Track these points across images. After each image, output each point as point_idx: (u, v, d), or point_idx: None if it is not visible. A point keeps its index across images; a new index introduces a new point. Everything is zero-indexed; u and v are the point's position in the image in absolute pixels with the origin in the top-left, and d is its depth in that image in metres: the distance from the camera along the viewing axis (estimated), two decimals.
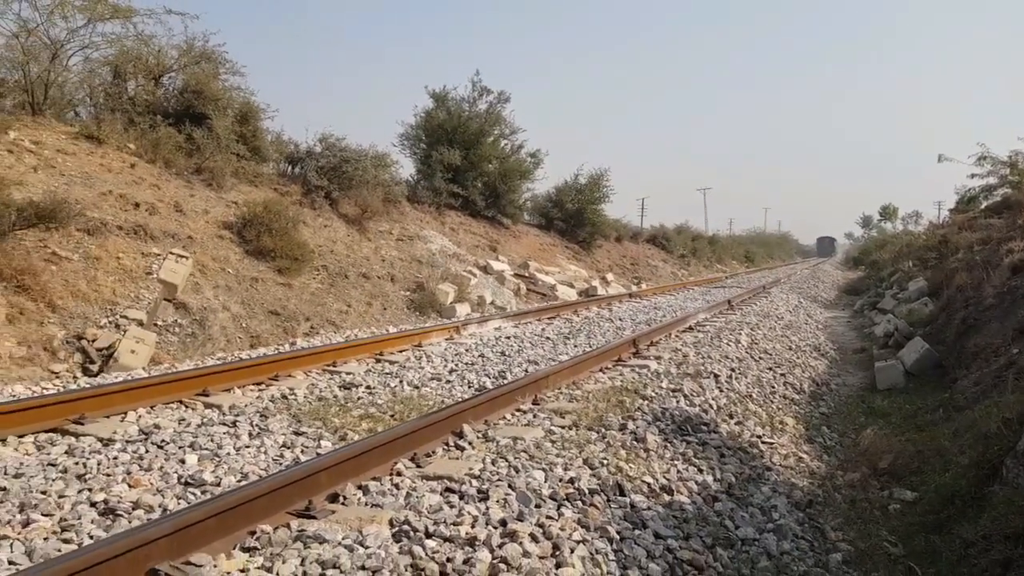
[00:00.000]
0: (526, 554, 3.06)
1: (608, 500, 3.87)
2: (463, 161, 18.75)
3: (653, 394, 6.12)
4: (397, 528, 3.19)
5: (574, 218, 23.61)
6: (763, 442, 6.10)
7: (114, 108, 12.83)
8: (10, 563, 2.80)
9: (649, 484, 4.25)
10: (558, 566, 3.09)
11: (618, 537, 3.55)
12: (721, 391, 6.89)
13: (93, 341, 7.96)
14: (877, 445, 6.99)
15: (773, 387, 8.22)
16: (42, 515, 3.19)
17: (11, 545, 2.93)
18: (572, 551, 3.22)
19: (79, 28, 12.34)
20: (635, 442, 4.85)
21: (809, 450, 6.59)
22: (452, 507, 3.46)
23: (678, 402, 6.03)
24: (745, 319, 12.73)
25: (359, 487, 3.67)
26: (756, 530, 4.41)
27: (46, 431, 4.53)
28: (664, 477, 4.43)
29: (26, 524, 3.11)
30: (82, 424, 4.64)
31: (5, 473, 3.82)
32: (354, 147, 15.10)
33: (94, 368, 7.71)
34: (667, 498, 4.19)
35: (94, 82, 13.51)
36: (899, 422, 7.78)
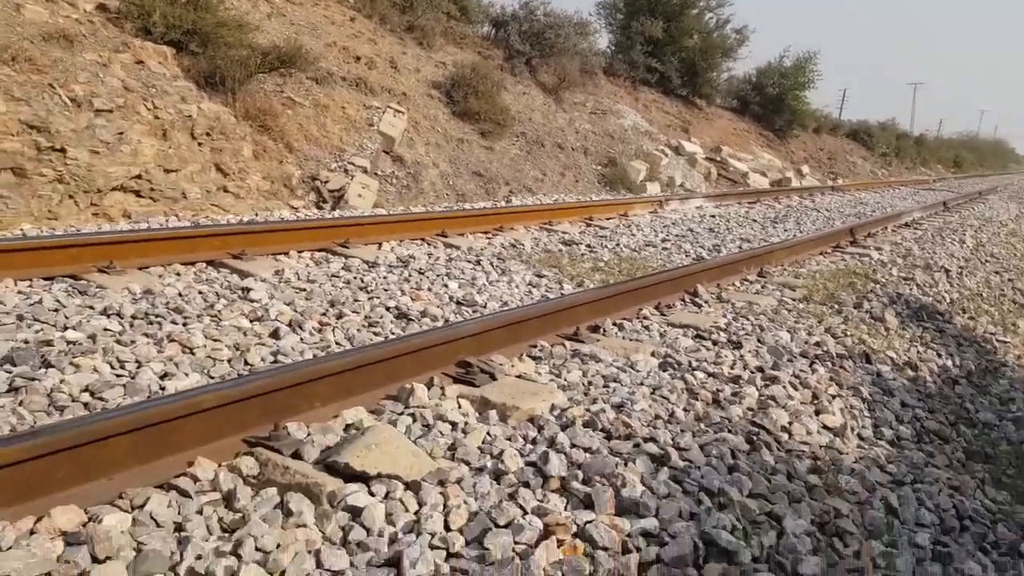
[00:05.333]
0: (790, 396, 3.24)
1: (856, 366, 3.94)
2: (663, 34, 18.09)
3: (884, 279, 5.98)
4: (661, 359, 3.44)
5: (773, 103, 22.39)
6: (997, 340, 5.86)
7: None
8: (336, 344, 3.29)
9: (892, 359, 4.26)
10: (817, 412, 3.24)
11: (869, 399, 3.64)
12: (952, 286, 6.61)
13: (326, 183, 8.70)
14: None
15: (1002, 290, 7.76)
16: (351, 312, 3.69)
17: (332, 331, 3.43)
18: (830, 402, 3.36)
19: None
20: (873, 320, 4.83)
21: None
22: (708, 350, 3.66)
23: (911, 290, 5.87)
24: (965, 221, 11.88)
25: (614, 324, 3.95)
26: (996, 416, 4.36)
27: (318, 250, 5.11)
28: (906, 355, 4.42)
29: (340, 317, 3.62)
30: (347, 248, 5.20)
31: (299, 278, 4.40)
32: (558, 12, 14.96)
33: (326, 207, 8.46)
34: (911, 373, 4.20)
35: None
36: None
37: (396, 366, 2.77)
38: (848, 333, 4.38)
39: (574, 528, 1.93)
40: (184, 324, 3.29)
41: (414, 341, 2.88)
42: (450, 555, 1.79)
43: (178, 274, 4.21)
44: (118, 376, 2.65)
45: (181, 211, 6.72)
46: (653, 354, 3.51)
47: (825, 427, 3.17)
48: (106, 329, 3.11)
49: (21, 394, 2.41)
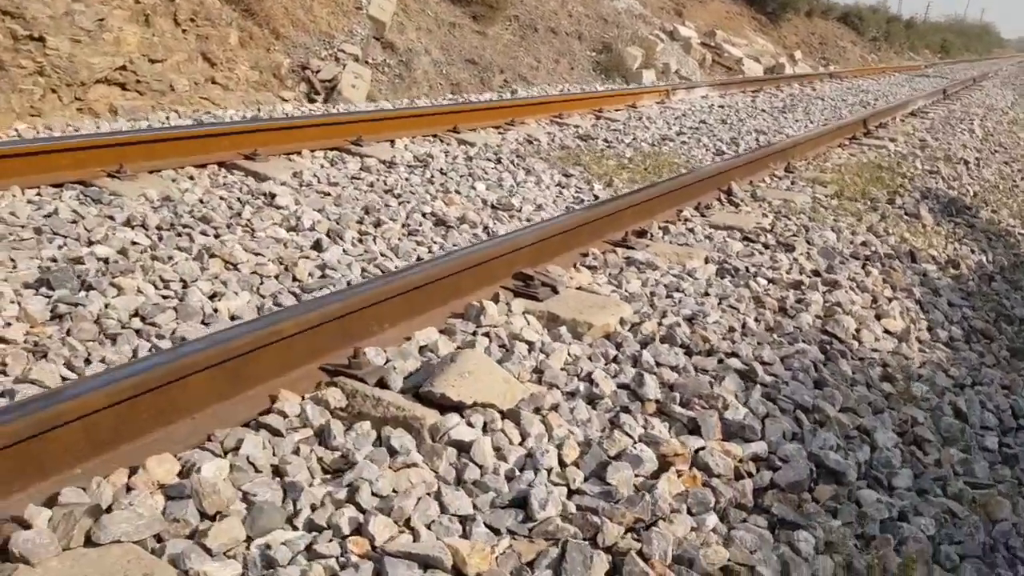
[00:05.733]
0: (852, 301, 3.15)
1: (904, 266, 3.85)
2: None
3: (909, 173, 5.85)
4: (718, 266, 3.32)
5: None
6: (1018, 232, 5.83)
7: None
8: (382, 255, 3.11)
9: (934, 256, 4.18)
10: (878, 317, 3.16)
11: (922, 300, 3.57)
12: (972, 179, 6.51)
13: (317, 72, 8.25)
14: None
15: (1014, 182, 7.69)
16: (387, 219, 3.49)
17: (374, 241, 3.25)
18: (888, 304, 3.28)
19: None
20: (908, 216, 4.73)
21: None
22: (761, 254, 3.54)
23: (937, 183, 5.76)
24: (968, 110, 11.69)
25: (659, 227, 3.79)
26: None
27: (331, 148, 4.84)
28: (946, 252, 4.34)
29: (377, 225, 3.42)
30: (360, 146, 4.93)
31: (319, 181, 4.17)
32: None
33: (318, 98, 8.06)
34: (953, 271, 4.13)
35: None
36: None
37: (458, 282, 2.61)
38: (889, 231, 4.28)
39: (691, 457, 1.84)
40: (216, 236, 3.09)
41: (473, 255, 2.71)
42: (572, 492, 1.69)
43: (191, 178, 3.95)
44: (165, 298, 2.47)
45: (169, 104, 6.34)
46: (707, 260, 3.38)
47: (887, 332, 3.10)
48: (134, 243, 2.90)
49: (67, 321, 2.23)
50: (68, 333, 2.17)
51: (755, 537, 1.67)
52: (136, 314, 2.32)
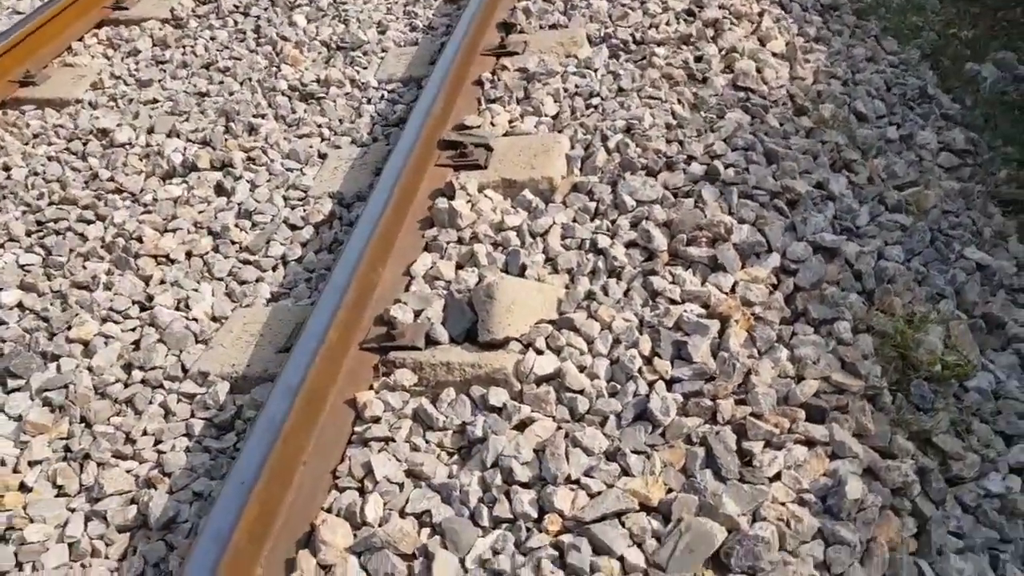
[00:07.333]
0: (739, 39, 3.39)
1: None
2: None
3: None
4: (605, 43, 3.41)
5: None
6: None
7: None
8: (287, 170, 3.00)
9: None
10: (762, 43, 3.46)
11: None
12: None
13: None
14: None
15: None
16: (256, 118, 3.26)
17: (265, 153, 3.07)
18: (760, 20, 3.57)
19: None
20: None
21: None
22: (633, 11, 3.62)
23: None
24: None
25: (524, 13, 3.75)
26: None
27: (97, 28, 4.24)
28: None
29: (251, 130, 3.19)
30: (127, 9, 4.34)
31: (126, 82, 3.72)
32: None
33: None
34: None
35: None
36: None
37: (408, 182, 2.62)
38: None
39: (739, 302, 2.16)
40: (99, 218, 2.85)
41: (416, 142, 2.70)
42: (669, 383, 1.99)
43: None
44: (134, 330, 2.37)
45: None
46: (591, 40, 3.46)
47: (775, 55, 3.41)
48: (24, 267, 2.66)
49: (72, 409, 2.13)
50: (86, 423, 2.11)
51: (812, 348, 2.07)
52: (127, 365, 2.25)
